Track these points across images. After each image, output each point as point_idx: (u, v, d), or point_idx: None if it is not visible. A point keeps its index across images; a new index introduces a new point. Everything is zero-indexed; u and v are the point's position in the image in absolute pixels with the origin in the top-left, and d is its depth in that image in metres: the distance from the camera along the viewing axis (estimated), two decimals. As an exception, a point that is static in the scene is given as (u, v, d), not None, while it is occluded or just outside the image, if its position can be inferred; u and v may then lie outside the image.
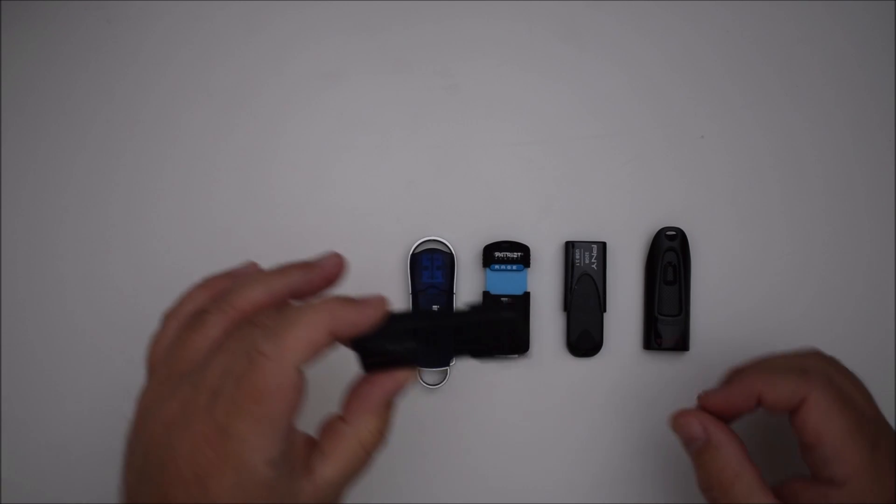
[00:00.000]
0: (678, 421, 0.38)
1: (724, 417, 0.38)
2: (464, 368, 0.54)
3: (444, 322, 0.36)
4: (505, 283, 0.53)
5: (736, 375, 0.39)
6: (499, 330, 0.35)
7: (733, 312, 0.54)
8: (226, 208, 0.55)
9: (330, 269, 0.37)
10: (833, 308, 0.54)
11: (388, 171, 0.55)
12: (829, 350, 0.54)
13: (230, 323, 0.33)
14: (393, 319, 0.34)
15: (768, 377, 0.37)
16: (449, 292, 0.53)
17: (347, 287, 0.56)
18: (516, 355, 0.38)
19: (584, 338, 0.53)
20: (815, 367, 0.38)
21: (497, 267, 0.53)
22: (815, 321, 0.54)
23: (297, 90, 0.56)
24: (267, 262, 0.55)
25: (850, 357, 0.54)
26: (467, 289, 0.54)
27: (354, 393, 0.35)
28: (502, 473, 0.53)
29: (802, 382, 0.36)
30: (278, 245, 0.55)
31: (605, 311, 0.54)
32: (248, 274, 0.38)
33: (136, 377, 0.54)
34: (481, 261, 0.54)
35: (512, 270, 0.53)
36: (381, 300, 0.34)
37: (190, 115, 0.56)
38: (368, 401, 0.34)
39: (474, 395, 0.54)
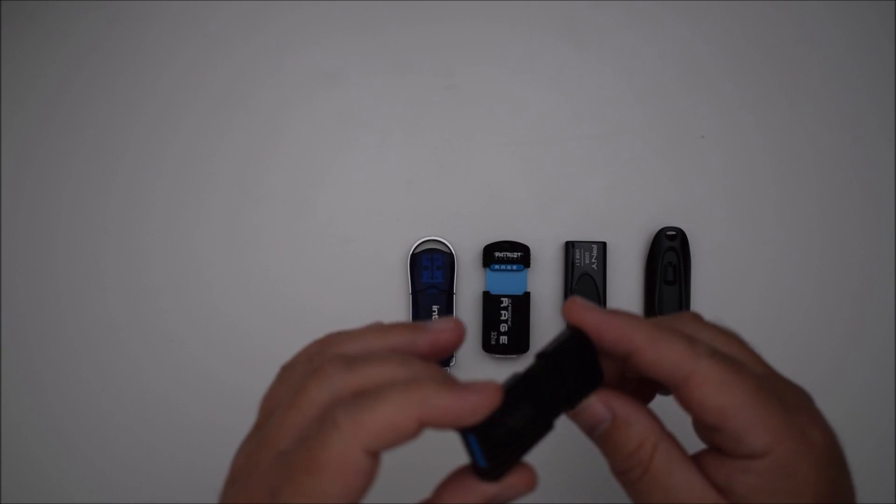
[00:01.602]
0: (582, 409, 0.31)
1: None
2: (465, 368, 0.54)
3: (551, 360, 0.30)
4: (505, 283, 0.53)
5: (621, 313, 0.31)
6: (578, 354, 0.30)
7: (733, 312, 0.54)
8: (225, 208, 0.55)
9: (441, 335, 0.31)
10: (833, 308, 0.54)
11: (388, 171, 0.55)
12: (828, 350, 0.54)
13: (316, 378, 0.29)
14: (507, 397, 0.28)
15: (652, 333, 0.30)
16: (449, 292, 0.53)
17: (348, 289, 0.56)
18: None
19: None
20: (696, 333, 0.32)
21: (497, 267, 0.53)
22: (815, 321, 0.54)
23: (296, 90, 0.56)
24: (267, 262, 0.56)
25: (850, 357, 0.54)
26: (467, 289, 0.54)
27: (450, 481, 0.29)
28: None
29: (690, 350, 0.29)
30: (278, 245, 0.55)
31: (605, 311, 0.54)
32: (355, 330, 0.32)
33: (134, 376, 0.54)
34: (481, 261, 0.54)
35: (512, 270, 0.53)
36: (491, 387, 0.27)
37: (190, 115, 0.55)
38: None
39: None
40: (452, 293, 0.53)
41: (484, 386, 0.27)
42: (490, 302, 0.53)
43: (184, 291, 0.54)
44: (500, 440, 0.28)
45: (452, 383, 0.28)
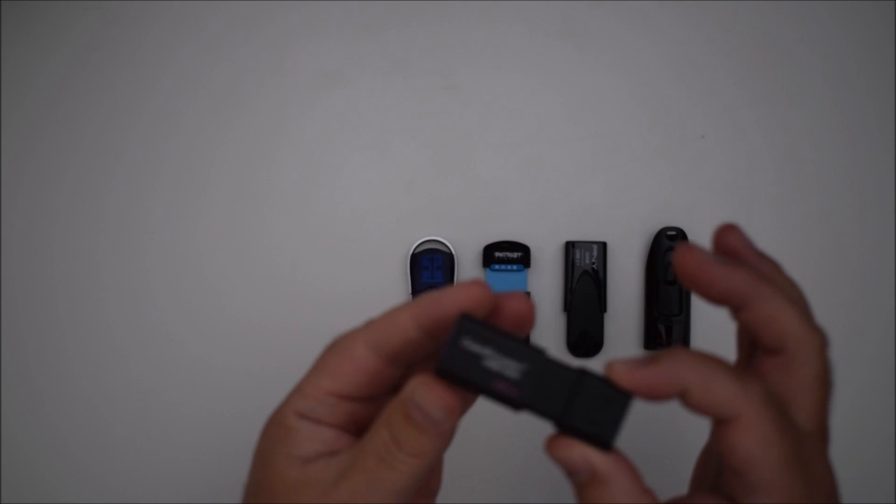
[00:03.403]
0: (556, 451, 0.30)
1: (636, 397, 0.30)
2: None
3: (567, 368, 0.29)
4: (505, 283, 0.53)
5: (665, 356, 0.30)
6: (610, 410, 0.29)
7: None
8: (224, 208, 0.55)
9: (461, 291, 0.30)
10: (833, 308, 0.54)
11: (388, 171, 0.55)
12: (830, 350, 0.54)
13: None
14: (508, 338, 0.28)
15: (703, 371, 0.29)
16: (449, 292, 0.53)
17: (348, 289, 0.56)
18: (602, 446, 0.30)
19: (584, 338, 0.53)
20: (750, 373, 0.31)
21: (497, 267, 0.53)
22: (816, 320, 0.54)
23: (297, 90, 0.56)
24: (267, 262, 0.56)
25: (849, 357, 0.54)
26: (467, 289, 0.54)
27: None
28: (503, 473, 0.53)
29: (740, 393, 0.28)
30: (278, 245, 0.55)
31: (605, 311, 0.54)
32: None
33: (132, 377, 0.54)
34: (481, 261, 0.54)
35: (512, 270, 0.53)
36: (479, 283, 0.29)
37: (189, 115, 0.55)
38: (390, 403, 0.30)
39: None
40: (452, 293, 0.53)
41: (469, 281, 0.30)
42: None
43: (183, 292, 0.54)
44: (470, 357, 0.28)
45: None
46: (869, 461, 0.54)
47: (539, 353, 0.28)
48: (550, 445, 0.30)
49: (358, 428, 0.32)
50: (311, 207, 0.55)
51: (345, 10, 0.56)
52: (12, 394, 0.54)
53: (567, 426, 0.29)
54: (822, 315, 0.54)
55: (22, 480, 0.54)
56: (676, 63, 0.56)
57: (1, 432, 0.54)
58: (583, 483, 0.30)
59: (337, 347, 0.31)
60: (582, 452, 0.29)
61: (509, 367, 0.28)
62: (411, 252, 0.54)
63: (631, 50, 0.56)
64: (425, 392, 0.28)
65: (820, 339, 0.31)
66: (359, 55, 0.56)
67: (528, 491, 0.54)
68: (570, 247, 0.54)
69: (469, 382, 0.28)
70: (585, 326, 0.53)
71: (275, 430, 0.31)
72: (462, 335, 0.28)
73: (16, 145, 0.55)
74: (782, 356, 0.31)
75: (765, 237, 0.55)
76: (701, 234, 0.54)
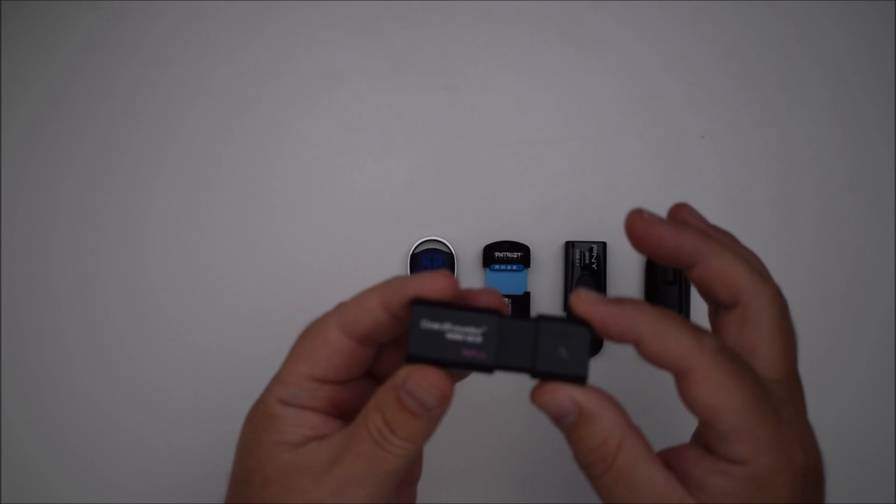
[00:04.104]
0: (541, 398, 0.30)
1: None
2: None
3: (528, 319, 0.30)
4: (505, 283, 0.53)
5: (627, 302, 0.30)
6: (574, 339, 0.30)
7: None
8: (225, 209, 0.55)
9: (426, 279, 0.32)
10: (833, 308, 0.55)
11: (388, 171, 0.55)
12: (827, 351, 0.54)
13: None
14: (462, 309, 0.30)
15: (658, 323, 0.30)
16: (449, 292, 0.53)
17: (348, 290, 0.56)
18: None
19: (584, 338, 0.53)
20: (704, 330, 0.32)
21: (497, 267, 0.53)
22: (815, 321, 0.54)
23: (297, 91, 0.56)
24: (266, 261, 0.56)
25: (849, 358, 0.54)
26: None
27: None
28: (503, 473, 0.53)
29: (694, 345, 0.29)
30: (278, 245, 0.55)
31: (605, 311, 0.54)
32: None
33: (134, 377, 0.54)
34: (481, 261, 0.54)
35: (512, 270, 0.53)
36: (444, 272, 0.30)
37: (190, 116, 0.55)
38: (391, 377, 0.30)
39: (475, 396, 0.54)
40: (452, 293, 0.53)
41: (437, 271, 0.30)
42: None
43: (184, 292, 0.54)
44: (433, 336, 0.30)
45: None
46: (869, 461, 0.54)
47: (493, 313, 0.30)
48: (535, 395, 0.31)
49: (339, 411, 0.33)
50: (312, 208, 0.55)
51: (345, 11, 0.56)
52: (13, 394, 0.54)
53: (540, 373, 0.30)
54: (820, 315, 0.54)
55: (22, 480, 0.54)
56: (676, 63, 0.56)
57: (1, 432, 0.54)
58: (572, 425, 0.31)
59: (311, 333, 0.32)
60: (567, 393, 0.30)
61: (471, 334, 0.30)
62: (411, 252, 0.54)
63: (630, 50, 0.56)
64: (418, 379, 0.29)
65: (773, 289, 0.33)
66: (359, 56, 0.56)
67: (528, 491, 0.54)
68: (570, 247, 0.54)
69: (439, 360, 0.29)
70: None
71: (259, 419, 0.32)
72: (419, 319, 0.29)
73: (17, 146, 0.55)
74: (739, 309, 0.32)
75: (763, 237, 0.55)
76: (701, 234, 0.54)
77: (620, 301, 0.30)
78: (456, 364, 0.30)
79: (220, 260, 0.55)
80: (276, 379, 0.32)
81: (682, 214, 0.35)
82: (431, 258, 0.53)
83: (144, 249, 0.55)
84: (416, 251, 0.54)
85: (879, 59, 0.56)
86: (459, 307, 0.30)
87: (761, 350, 0.32)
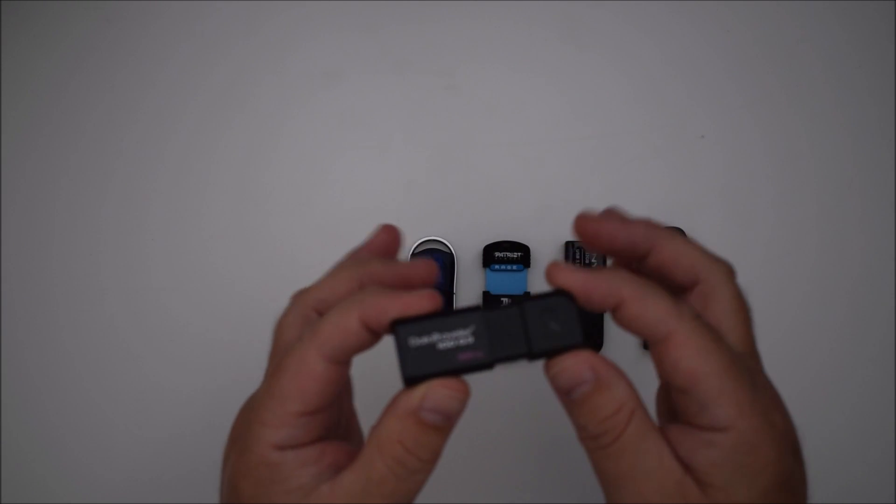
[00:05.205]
0: (557, 367, 0.30)
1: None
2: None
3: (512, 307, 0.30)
4: (505, 283, 0.53)
5: (606, 270, 0.31)
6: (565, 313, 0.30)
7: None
8: (223, 208, 0.55)
9: (377, 240, 0.35)
10: (832, 309, 0.54)
11: (388, 171, 0.55)
12: (826, 351, 0.54)
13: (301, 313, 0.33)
14: (445, 315, 0.29)
15: (639, 288, 0.30)
16: (449, 292, 0.53)
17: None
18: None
19: (584, 337, 0.53)
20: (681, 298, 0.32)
21: (497, 267, 0.53)
22: (814, 321, 0.54)
23: (296, 90, 0.56)
24: (265, 261, 0.56)
25: (849, 358, 0.54)
26: (467, 289, 0.54)
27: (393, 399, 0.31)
28: (504, 473, 0.53)
29: (673, 310, 0.29)
30: (278, 244, 0.55)
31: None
32: (326, 275, 0.35)
33: (133, 377, 0.54)
34: (481, 261, 0.54)
35: (512, 270, 0.53)
36: (429, 293, 0.29)
37: (189, 115, 0.55)
38: (394, 406, 0.30)
39: (475, 396, 0.53)
40: (452, 293, 0.53)
41: (421, 292, 0.29)
42: (490, 302, 0.53)
43: (183, 291, 0.54)
44: (425, 350, 0.29)
45: (395, 291, 0.30)
46: (869, 461, 0.54)
47: (475, 310, 0.29)
48: (550, 368, 0.31)
49: (328, 431, 0.32)
50: (311, 207, 0.55)
51: (344, 9, 0.56)
52: (13, 394, 0.54)
53: (539, 354, 0.30)
54: (820, 314, 0.54)
55: (22, 480, 0.53)
56: (676, 63, 0.56)
57: (1, 432, 0.54)
58: (587, 394, 0.30)
59: (292, 368, 0.30)
60: (585, 358, 0.30)
61: (462, 337, 0.29)
62: (411, 252, 0.54)
63: (631, 50, 0.56)
64: (439, 390, 0.29)
65: (726, 267, 0.33)
66: (358, 54, 0.56)
67: (528, 490, 0.54)
68: (570, 247, 0.54)
69: (439, 373, 0.29)
70: (585, 326, 0.53)
71: (259, 471, 0.30)
72: (406, 337, 0.29)
73: (15, 144, 0.55)
74: (699, 287, 0.33)
75: (764, 237, 0.55)
76: (701, 234, 0.54)
77: (600, 270, 0.31)
78: (457, 371, 0.29)
79: (219, 259, 0.55)
80: (262, 423, 0.30)
81: (617, 214, 0.36)
82: (431, 258, 0.53)
83: (144, 248, 0.55)
84: (416, 251, 0.54)
85: (881, 58, 0.56)
86: (441, 314, 0.29)
87: (726, 324, 0.32)
